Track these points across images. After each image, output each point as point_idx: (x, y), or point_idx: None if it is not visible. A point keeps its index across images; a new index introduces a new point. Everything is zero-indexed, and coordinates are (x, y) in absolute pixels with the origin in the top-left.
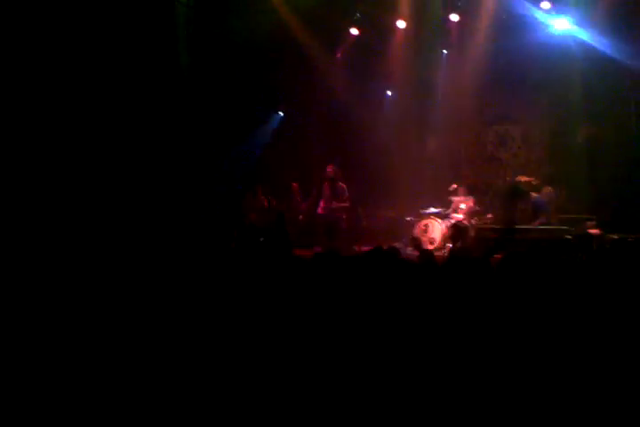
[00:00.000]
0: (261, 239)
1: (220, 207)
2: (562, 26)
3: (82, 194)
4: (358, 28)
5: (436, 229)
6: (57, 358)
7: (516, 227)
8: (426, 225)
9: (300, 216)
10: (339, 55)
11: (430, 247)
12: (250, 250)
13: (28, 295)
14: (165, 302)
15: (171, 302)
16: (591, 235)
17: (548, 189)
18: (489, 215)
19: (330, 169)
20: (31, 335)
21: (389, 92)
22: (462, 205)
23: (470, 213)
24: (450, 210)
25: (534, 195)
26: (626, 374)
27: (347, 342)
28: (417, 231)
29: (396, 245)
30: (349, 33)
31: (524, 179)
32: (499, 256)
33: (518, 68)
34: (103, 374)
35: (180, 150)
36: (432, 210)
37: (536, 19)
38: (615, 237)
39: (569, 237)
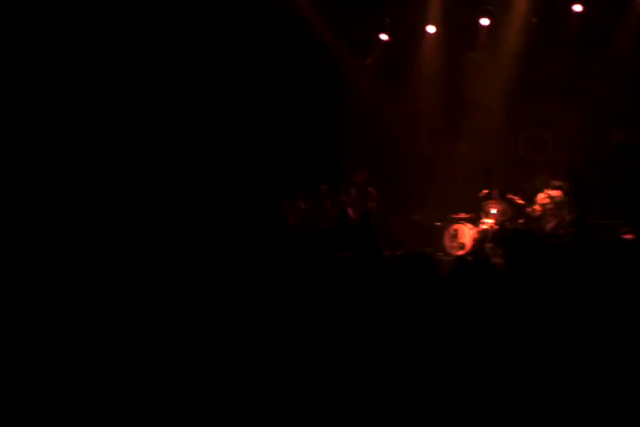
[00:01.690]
0: (310, 244)
1: (258, 211)
2: None
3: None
4: (388, 34)
5: (465, 234)
6: (57, 357)
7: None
8: (455, 230)
9: (326, 222)
10: (369, 61)
11: (460, 253)
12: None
13: (29, 295)
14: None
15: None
16: (625, 240)
17: (557, 193)
18: (520, 220)
19: (360, 174)
20: (31, 335)
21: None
22: (493, 210)
23: (502, 218)
24: (480, 215)
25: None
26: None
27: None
28: (446, 236)
29: (427, 249)
30: (379, 38)
31: (557, 183)
32: None
33: (550, 70)
34: (103, 373)
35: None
36: (462, 215)
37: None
38: None
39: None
